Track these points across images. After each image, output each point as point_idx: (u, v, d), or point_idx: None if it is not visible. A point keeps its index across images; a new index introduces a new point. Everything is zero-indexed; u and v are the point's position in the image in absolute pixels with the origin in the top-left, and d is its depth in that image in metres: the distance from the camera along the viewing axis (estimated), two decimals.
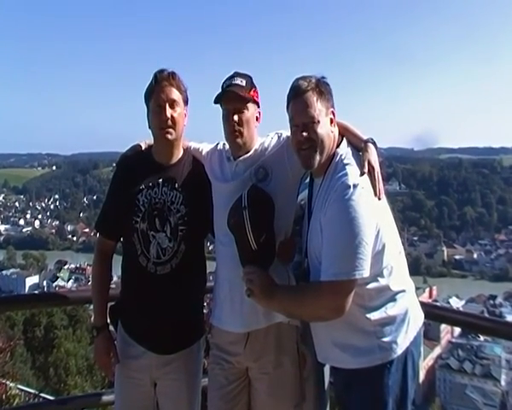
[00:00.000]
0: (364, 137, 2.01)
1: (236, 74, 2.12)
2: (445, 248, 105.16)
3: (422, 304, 2.11)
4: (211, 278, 2.47)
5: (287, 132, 2.13)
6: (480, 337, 52.96)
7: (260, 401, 2.17)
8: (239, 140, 2.11)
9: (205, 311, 2.48)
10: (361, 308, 1.85)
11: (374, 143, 1.99)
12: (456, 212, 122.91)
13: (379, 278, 1.85)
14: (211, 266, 2.42)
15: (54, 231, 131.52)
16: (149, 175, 2.18)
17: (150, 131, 2.19)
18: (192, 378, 2.26)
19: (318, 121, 1.88)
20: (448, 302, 58.45)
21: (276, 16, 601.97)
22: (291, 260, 2.14)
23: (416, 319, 1.98)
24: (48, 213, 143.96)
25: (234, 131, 2.09)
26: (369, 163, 1.88)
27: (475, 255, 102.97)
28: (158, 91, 2.09)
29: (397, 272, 1.91)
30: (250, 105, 2.11)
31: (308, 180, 2.11)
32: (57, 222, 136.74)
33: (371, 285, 1.84)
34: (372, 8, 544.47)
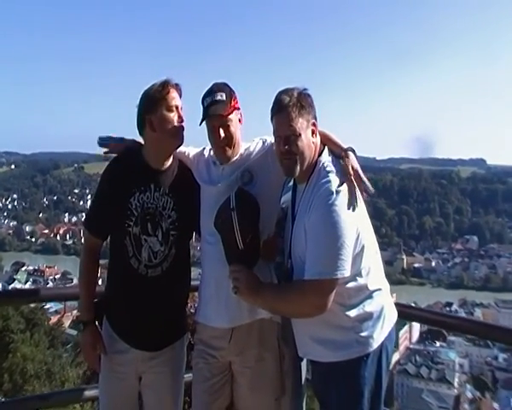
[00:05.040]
0: (345, 146, 2.13)
1: (215, 89, 2.18)
2: (404, 257, 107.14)
3: (396, 304, 2.23)
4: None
5: (271, 138, 2.22)
6: (436, 343, 54.50)
7: (243, 393, 2.26)
8: (227, 152, 2.21)
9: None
10: (341, 306, 1.96)
11: (353, 151, 2.11)
12: (415, 221, 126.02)
13: (357, 278, 1.97)
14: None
15: (11, 231, 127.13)
16: (141, 179, 2.22)
17: (143, 136, 2.23)
18: (176, 372, 2.34)
19: (300, 134, 1.98)
20: None
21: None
22: (274, 260, 2.25)
23: (391, 316, 2.11)
24: (5, 214, 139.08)
25: (221, 145, 2.19)
26: (352, 168, 2.01)
27: (433, 264, 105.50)
28: (170, 99, 2.17)
29: (374, 272, 2.04)
30: (233, 115, 2.19)
31: (291, 184, 2.22)
32: (15, 222, 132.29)
33: (350, 284, 1.95)
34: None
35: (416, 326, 63.94)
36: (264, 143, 2.31)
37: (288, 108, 1.97)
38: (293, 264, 2.05)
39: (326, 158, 2.07)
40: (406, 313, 2.67)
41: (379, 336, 2.02)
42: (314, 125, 2.05)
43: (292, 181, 2.21)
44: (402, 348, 57.42)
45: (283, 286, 2.13)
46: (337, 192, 1.91)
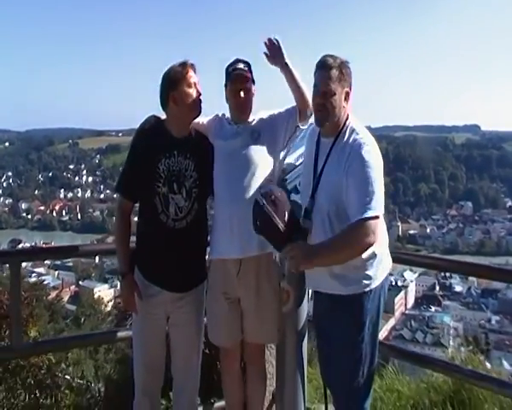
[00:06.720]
0: None
1: (238, 60, 2.67)
2: (399, 224, 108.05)
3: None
4: None
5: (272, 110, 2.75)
6: (431, 308, 55.47)
7: (250, 321, 2.69)
8: (245, 111, 2.68)
9: None
10: None
11: None
12: (410, 188, 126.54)
13: None
14: None
15: (7, 209, 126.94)
16: (166, 146, 2.61)
17: (167, 110, 2.61)
18: (198, 312, 2.75)
19: (334, 93, 2.32)
20: (402, 275, 60.75)
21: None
22: None
23: (389, 260, 2.52)
24: (0, 192, 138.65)
25: (241, 105, 2.66)
26: None
27: (428, 230, 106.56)
28: (188, 77, 2.56)
29: (381, 223, 2.33)
30: (251, 84, 2.67)
31: (297, 142, 2.71)
32: (10, 200, 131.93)
33: None
34: None
35: (412, 292, 64.95)
36: (267, 111, 2.77)
37: (331, 69, 2.32)
38: (316, 205, 2.38)
39: (355, 121, 2.42)
40: (400, 259, 3.38)
41: (381, 275, 2.40)
42: (347, 93, 2.38)
43: (299, 141, 2.71)
44: (398, 313, 58.29)
45: (332, 239, 2.30)
46: (369, 145, 2.29)
